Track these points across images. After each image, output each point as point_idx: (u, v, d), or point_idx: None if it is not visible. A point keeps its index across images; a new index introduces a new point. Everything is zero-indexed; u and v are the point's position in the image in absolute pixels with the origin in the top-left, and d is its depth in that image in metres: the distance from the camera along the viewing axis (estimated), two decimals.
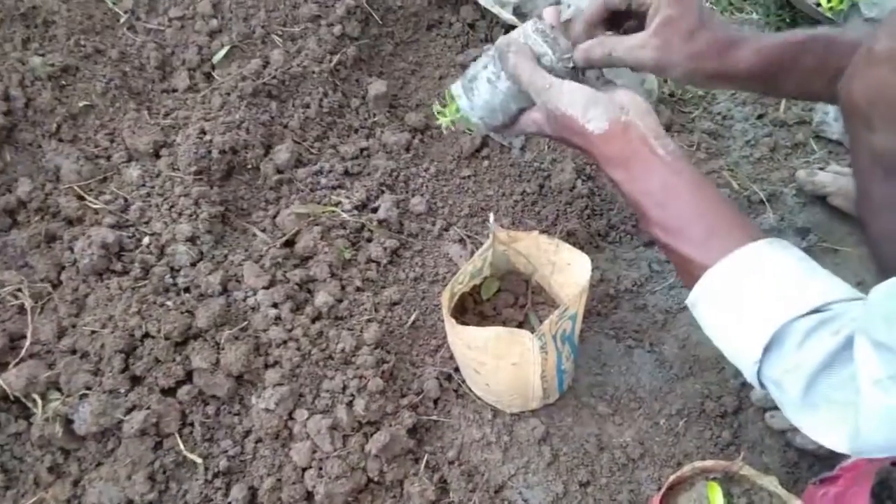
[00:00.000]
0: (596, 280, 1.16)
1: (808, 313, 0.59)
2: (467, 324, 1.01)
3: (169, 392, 0.96)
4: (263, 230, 1.14)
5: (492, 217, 0.96)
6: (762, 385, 0.64)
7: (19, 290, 1.00)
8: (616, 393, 1.06)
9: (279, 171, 1.19)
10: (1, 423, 0.92)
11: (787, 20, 1.61)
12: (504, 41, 0.81)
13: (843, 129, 1.28)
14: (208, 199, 1.10)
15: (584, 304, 0.94)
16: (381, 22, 1.38)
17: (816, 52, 0.80)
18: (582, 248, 0.96)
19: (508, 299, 1.10)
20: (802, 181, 1.28)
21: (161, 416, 0.93)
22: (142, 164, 1.15)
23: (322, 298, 1.04)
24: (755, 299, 0.62)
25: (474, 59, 1.03)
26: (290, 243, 1.12)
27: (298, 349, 1.00)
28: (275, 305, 1.03)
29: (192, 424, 0.96)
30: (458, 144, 1.30)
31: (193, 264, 1.05)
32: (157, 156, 1.16)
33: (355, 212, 1.17)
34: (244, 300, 1.03)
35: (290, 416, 0.96)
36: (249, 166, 1.18)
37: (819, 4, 1.47)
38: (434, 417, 1.02)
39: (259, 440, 0.97)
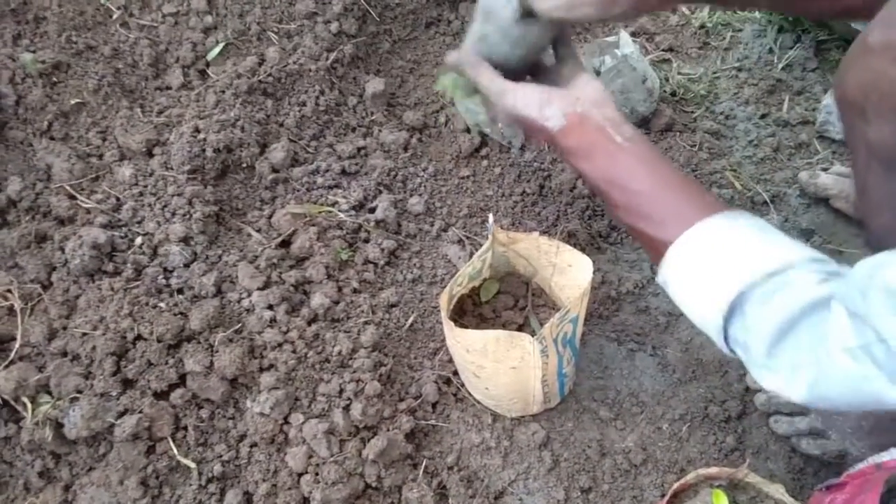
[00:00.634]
0: (597, 282, 1.14)
1: (769, 276, 0.61)
2: (466, 326, 1.00)
3: (162, 395, 0.95)
4: (258, 230, 1.12)
5: (491, 218, 0.95)
6: (732, 351, 0.66)
7: (9, 291, 0.99)
8: (618, 397, 1.05)
9: (275, 171, 1.17)
10: None
11: (789, 18, 1.59)
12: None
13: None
14: (202, 199, 1.08)
15: (586, 307, 0.92)
16: (378, 19, 1.37)
17: None
18: (583, 250, 0.95)
19: (508, 301, 1.08)
20: (804, 183, 1.27)
21: (154, 420, 0.92)
22: (134, 162, 1.14)
23: (318, 300, 1.03)
24: (717, 268, 0.64)
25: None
26: (285, 244, 1.11)
27: (294, 352, 0.98)
28: (270, 307, 1.01)
29: (185, 428, 0.95)
30: (457, 144, 1.28)
31: (187, 265, 1.04)
32: (150, 154, 1.15)
33: (352, 212, 1.15)
34: (239, 302, 1.02)
35: (286, 421, 0.95)
36: (244, 165, 1.16)
37: None
38: (433, 422, 1.01)
39: (254, 445, 0.95)
